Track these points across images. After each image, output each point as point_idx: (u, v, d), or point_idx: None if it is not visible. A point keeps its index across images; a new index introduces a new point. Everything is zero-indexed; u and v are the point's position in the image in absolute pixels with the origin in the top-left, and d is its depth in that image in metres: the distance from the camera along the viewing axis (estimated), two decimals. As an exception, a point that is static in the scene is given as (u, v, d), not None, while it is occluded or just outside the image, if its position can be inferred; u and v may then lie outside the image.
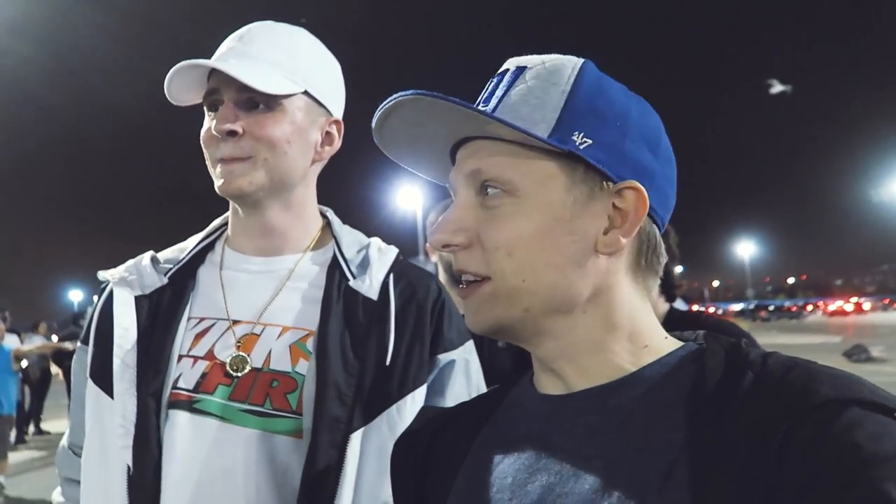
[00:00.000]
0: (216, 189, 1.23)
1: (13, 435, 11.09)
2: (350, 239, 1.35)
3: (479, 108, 0.76)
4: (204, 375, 1.18)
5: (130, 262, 1.34)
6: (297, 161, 1.26)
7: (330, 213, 1.40)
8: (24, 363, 11.72)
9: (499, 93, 0.77)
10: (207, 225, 1.41)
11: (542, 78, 0.75)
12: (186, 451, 1.13)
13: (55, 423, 12.46)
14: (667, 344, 0.77)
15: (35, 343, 11.44)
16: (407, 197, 31.34)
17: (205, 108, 1.26)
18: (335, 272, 1.27)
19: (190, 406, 1.16)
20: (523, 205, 0.73)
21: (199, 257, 1.34)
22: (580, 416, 0.74)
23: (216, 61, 1.19)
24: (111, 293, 1.27)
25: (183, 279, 1.29)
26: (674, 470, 0.64)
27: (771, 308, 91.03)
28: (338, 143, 1.35)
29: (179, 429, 1.15)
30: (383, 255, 1.33)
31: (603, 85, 0.76)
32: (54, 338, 15.20)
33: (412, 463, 0.91)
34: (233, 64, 1.18)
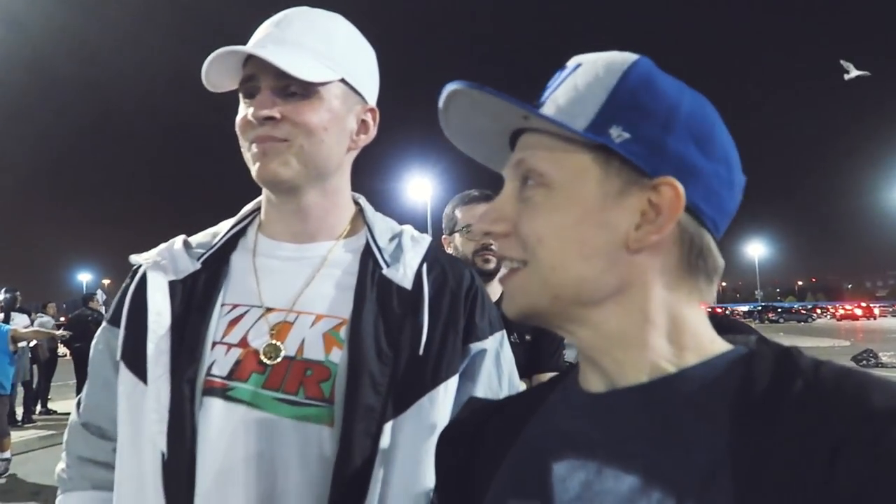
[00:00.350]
0: (253, 175, 1.22)
1: (21, 413, 11.24)
2: (383, 226, 1.35)
3: (534, 103, 0.78)
4: (238, 363, 1.18)
5: (163, 246, 1.33)
6: (333, 149, 1.25)
7: (362, 200, 1.39)
8: (33, 343, 11.85)
9: (552, 87, 0.79)
10: (221, 214, 1.41)
11: (590, 74, 0.76)
12: (220, 439, 1.13)
13: (62, 403, 12.58)
14: (714, 346, 0.76)
15: (34, 327, 11.50)
16: (417, 188, 31.34)
17: (240, 95, 1.25)
18: (368, 260, 1.26)
19: (223, 393, 1.16)
20: (556, 196, 0.74)
21: (231, 243, 1.33)
22: (621, 413, 0.74)
23: (254, 48, 1.18)
24: (143, 277, 1.27)
25: (216, 265, 1.28)
26: (716, 476, 0.63)
27: (779, 310, 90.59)
28: (373, 131, 1.34)
29: (213, 416, 1.14)
30: (417, 244, 1.33)
31: (651, 80, 0.75)
32: (62, 318, 15.34)
33: (457, 454, 0.92)
34: (271, 50, 1.16)
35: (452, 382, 1.22)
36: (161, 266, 1.27)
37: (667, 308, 0.75)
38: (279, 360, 1.17)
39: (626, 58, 0.77)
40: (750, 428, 0.64)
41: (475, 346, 1.27)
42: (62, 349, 12.33)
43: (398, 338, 1.19)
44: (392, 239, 1.32)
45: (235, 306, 1.24)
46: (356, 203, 1.40)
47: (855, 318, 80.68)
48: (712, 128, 0.77)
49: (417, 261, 1.28)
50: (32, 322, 11.80)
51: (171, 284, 1.25)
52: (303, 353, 1.18)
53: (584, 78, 0.76)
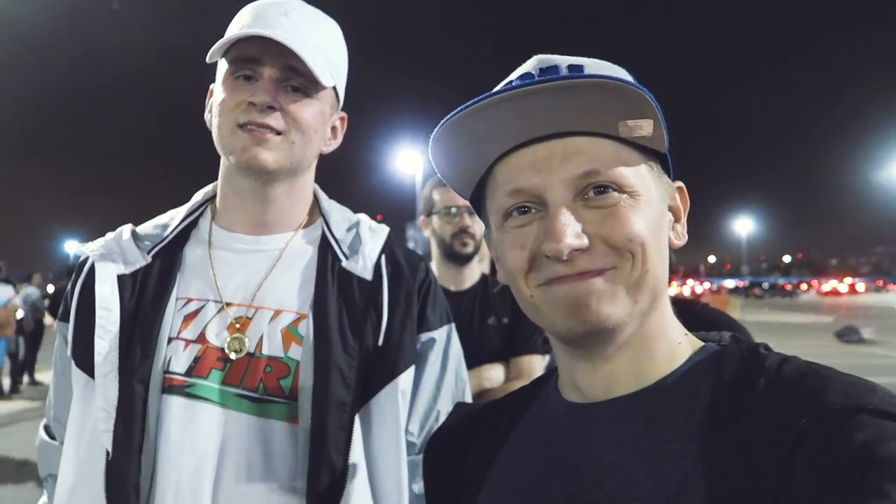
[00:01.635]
0: (236, 160, 1.19)
1: (7, 384, 11.21)
2: (339, 217, 1.35)
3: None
4: (197, 359, 1.17)
5: (109, 236, 1.30)
6: (314, 149, 1.27)
7: (317, 189, 1.38)
8: (20, 314, 11.78)
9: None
10: (207, 181, 1.38)
11: (616, 74, 0.77)
12: (182, 436, 1.12)
13: (49, 374, 12.51)
14: (686, 347, 0.79)
15: (19, 297, 11.43)
16: (406, 160, 31.15)
17: (227, 72, 1.21)
18: (327, 252, 1.26)
19: (183, 391, 1.15)
20: (639, 201, 0.75)
21: (182, 234, 1.31)
22: (604, 425, 0.76)
23: (278, 34, 1.14)
24: (92, 268, 1.23)
25: (169, 257, 1.26)
26: (689, 482, 0.65)
27: (765, 286, 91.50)
28: (340, 137, 1.36)
29: (173, 414, 1.13)
30: (375, 235, 1.32)
31: None
32: (50, 288, 15.24)
33: (446, 461, 0.94)
34: (297, 43, 1.14)
35: (410, 371, 1.23)
36: (110, 258, 1.24)
37: (668, 307, 0.80)
38: (242, 355, 1.16)
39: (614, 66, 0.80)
40: (716, 431, 0.67)
41: (424, 336, 1.29)
42: (48, 320, 12.25)
43: (362, 329, 1.19)
44: (349, 229, 1.32)
45: (190, 300, 1.22)
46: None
47: (839, 294, 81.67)
48: None
49: (377, 252, 1.28)
50: (17, 293, 11.72)
51: (121, 278, 1.22)
52: (262, 349, 1.17)
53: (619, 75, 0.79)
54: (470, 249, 2.42)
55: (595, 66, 0.78)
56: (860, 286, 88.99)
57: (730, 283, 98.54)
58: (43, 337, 12.64)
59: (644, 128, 0.73)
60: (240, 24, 1.20)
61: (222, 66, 1.22)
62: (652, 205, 0.76)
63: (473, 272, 2.49)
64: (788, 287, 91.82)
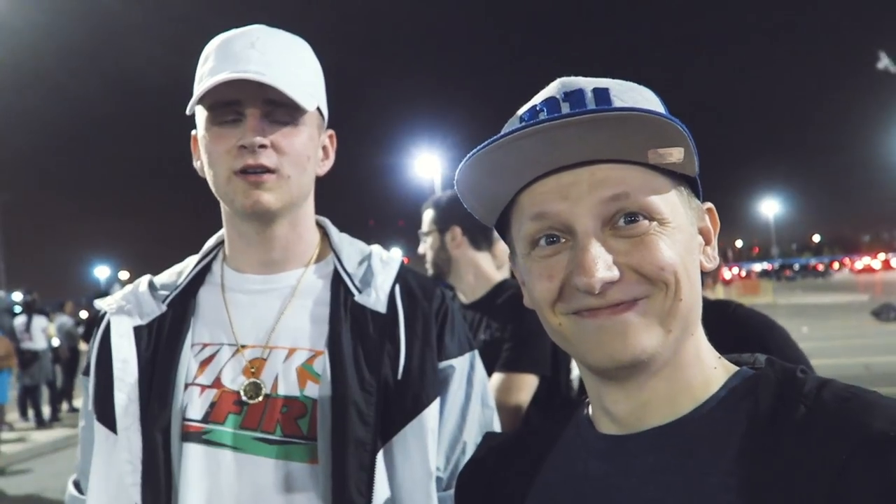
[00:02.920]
0: (237, 207, 1.17)
1: (48, 412, 11.42)
2: (350, 250, 1.32)
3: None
4: (213, 405, 1.15)
5: (127, 288, 1.30)
6: (311, 176, 1.25)
7: (326, 223, 1.36)
8: (56, 342, 12.01)
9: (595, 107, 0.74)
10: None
11: (646, 101, 0.77)
12: (202, 484, 1.11)
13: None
14: (720, 372, 0.77)
15: (53, 326, 11.61)
16: (425, 164, 31.21)
17: (211, 118, 1.17)
18: (339, 287, 1.24)
19: (201, 437, 1.13)
20: (668, 229, 0.73)
21: (197, 280, 1.30)
22: (639, 457, 0.74)
23: (256, 74, 1.11)
24: (109, 323, 1.23)
25: (183, 304, 1.25)
26: None
27: (796, 267, 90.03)
28: (332, 156, 1.33)
29: (192, 461, 1.12)
30: (387, 266, 1.30)
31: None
32: (83, 314, 15.50)
33: (477, 495, 0.92)
34: (276, 76, 1.12)
35: (436, 405, 1.19)
36: (125, 311, 1.23)
37: (702, 332, 0.78)
38: (259, 398, 1.14)
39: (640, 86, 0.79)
40: (759, 462, 0.65)
41: (443, 364, 1.24)
42: (84, 346, 12.47)
43: (379, 364, 1.16)
44: (361, 262, 1.29)
45: (206, 345, 1.21)
46: (320, 226, 1.36)
47: (873, 271, 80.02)
48: None
49: (389, 283, 1.25)
50: (51, 321, 11.95)
51: (137, 330, 1.21)
52: (278, 389, 1.15)
53: (643, 96, 0.77)
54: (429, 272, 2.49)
55: (619, 88, 0.76)
56: (895, 262, 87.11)
57: (757, 267, 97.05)
58: (79, 363, 12.87)
59: (674, 155, 0.71)
60: (210, 66, 1.16)
61: (202, 114, 1.19)
62: (682, 231, 0.74)
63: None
64: (820, 267, 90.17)
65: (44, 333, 11.50)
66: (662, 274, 0.70)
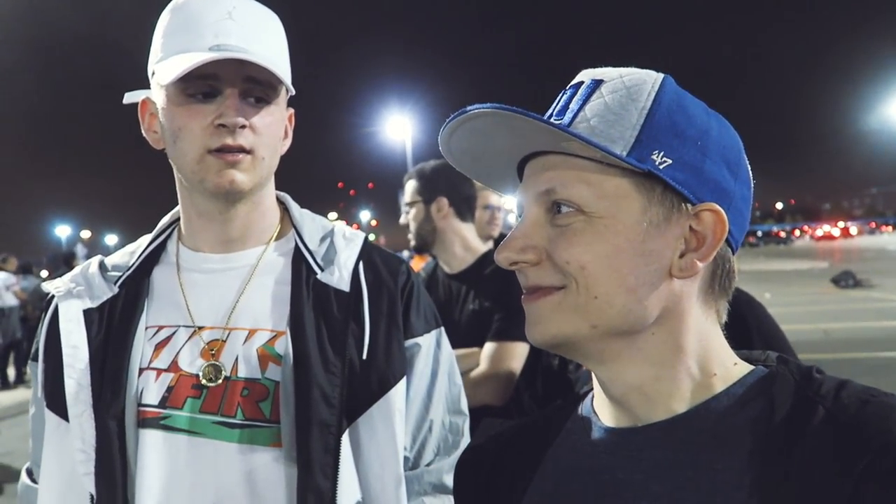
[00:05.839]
0: (208, 185, 1.12)
1: (13, 374, 11.24)
2: (312, 227, 1.28)
3: (552, 120, 0.74)
4: (170, 389, 1.11)
5: (76, 270, 1.24)
6: (278, 158, 1.21)
7: (287, 199, 1.32)
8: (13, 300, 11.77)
9: (573, 106, 0.74)
10: None
11: (619, 93, 0.73)
12: (160, 472, 1.08)
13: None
14: (736, 370, 0.75)
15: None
16: (396, 127, 30.89)
17: (182, 88, 1.09)
18: (301, 265, 1.20)
19: (158, 423, 1.10)
20: (597, 225, 0.70)
21: (150, 259, 1.24)
22: (646, 451, 0.72)
23: (238, 52, 1.06)
24: (57, 307, 1.18)
25: (136, 285, 1.20)
26: None
27: (759, 234, 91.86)
28: (290, 136, 1.28)
29: (150, 448, 1.09)
30: (350, 243, 1.26)
31: (683, 102, 0.74)
32: (44, 273, 15.17)
33: (476, 482, 0.90)
34: (259, 52, 1.08)
35: (403, 384, 1.18)
36: (74, 293, 1.18)
37: (697, 334, 0.74)
38: (219, 381, 1.11)
39: (652, 76, 0.75)
40: (773, 462, 0.64)
41: (409, 342, 1.23)
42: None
43: (343, 344, 1.14)
44: (323, 239, 1.26)
45: (161, 328, 1.17)
46: (280, 203, 1.32)
47: (832, 238, 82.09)
48: (739, 149, 0.77)
49: (353, 260, 1.22)
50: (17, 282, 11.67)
51: (87, 313, 1.16)
52: (238, 372, 1.12)
53: (614, 97, 0.73)
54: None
55: (605, 74, 0.75)
56: (853, 229, 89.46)
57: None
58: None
59: (573, 147, 0.70)
60: (183, 38, 1.08)
61: (166, 80, 1.07)
62: (617, 231, 0.69)
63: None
64: (782, 234, 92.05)
65: (9, 291, 11.26)
66: (568, 267, 0.70)
